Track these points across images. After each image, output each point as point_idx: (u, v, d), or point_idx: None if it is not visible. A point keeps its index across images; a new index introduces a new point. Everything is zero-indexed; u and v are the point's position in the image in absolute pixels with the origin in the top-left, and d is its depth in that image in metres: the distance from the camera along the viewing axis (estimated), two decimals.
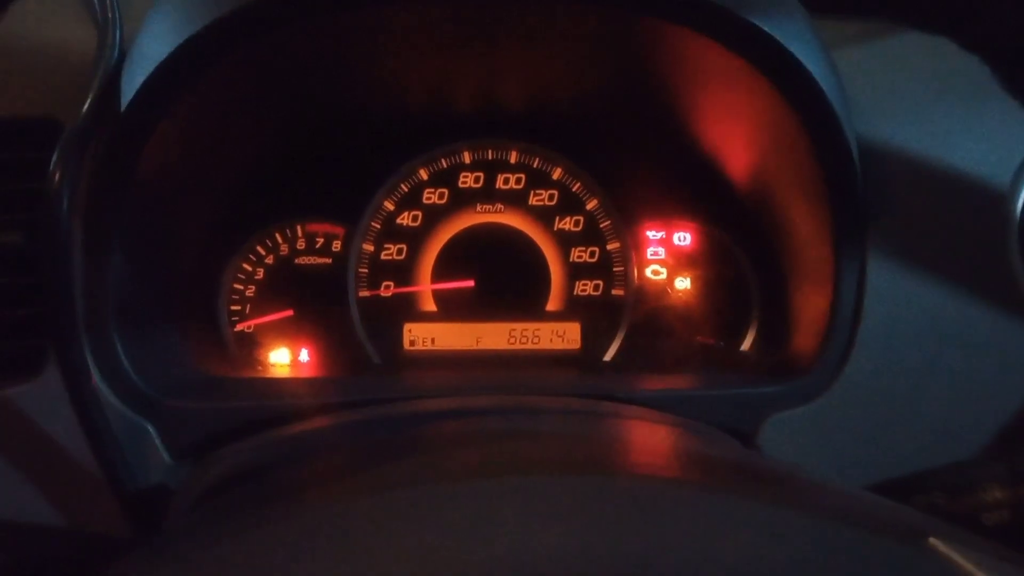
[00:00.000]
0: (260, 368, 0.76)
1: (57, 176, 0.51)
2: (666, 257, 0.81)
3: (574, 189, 0.82)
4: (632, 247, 0.81)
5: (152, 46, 0.55)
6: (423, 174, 0.81)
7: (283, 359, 0.78)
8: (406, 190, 0.81)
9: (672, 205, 0.81)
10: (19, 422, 0.54)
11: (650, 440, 0.42)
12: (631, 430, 0.44)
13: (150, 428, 0.56)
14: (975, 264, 0.63)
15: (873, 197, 0.63)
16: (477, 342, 0.80)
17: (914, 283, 0.63)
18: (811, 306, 0.68)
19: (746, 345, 0.79)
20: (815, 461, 0.60)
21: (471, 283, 0.80)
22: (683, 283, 0.81)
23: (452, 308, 0.80)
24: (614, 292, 0.81)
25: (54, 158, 0.51)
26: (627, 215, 0.81)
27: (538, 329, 0.80)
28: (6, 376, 0.55)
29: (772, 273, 0.75)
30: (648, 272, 0.82)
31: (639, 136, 0.81)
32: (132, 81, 0.55)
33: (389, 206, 0.80)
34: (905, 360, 0.62)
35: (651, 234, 0.82)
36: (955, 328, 0.62)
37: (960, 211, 0.64)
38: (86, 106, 0.53)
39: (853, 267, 0.63)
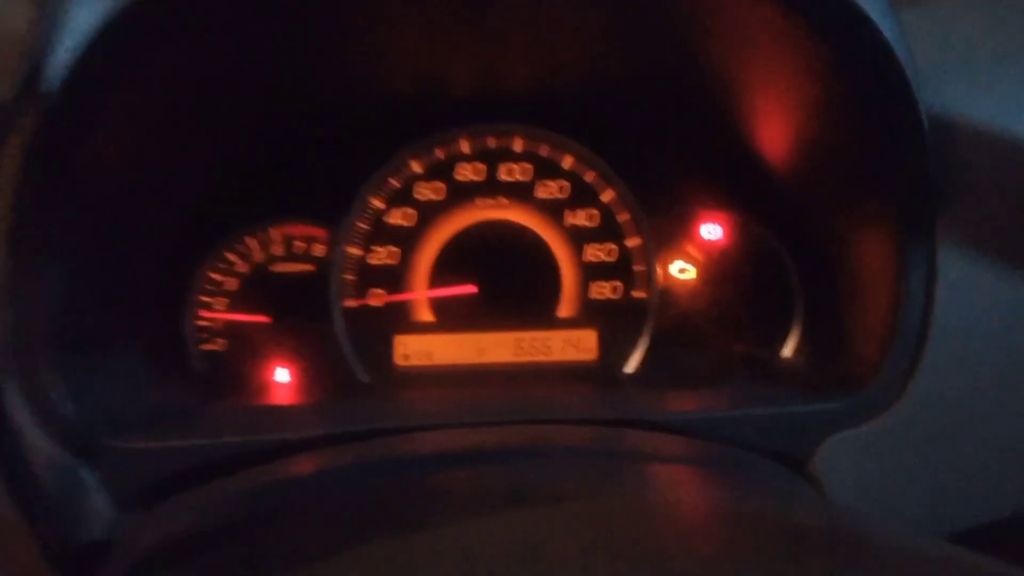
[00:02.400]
0: (232, 394, 0.67)
1: None
2: (694, 254, 0.72)
3: (587, 179, 0.72)
4: (655, 243, 0.71)
5: (82, 15, 0.46)
6: (416, 166, 0.71)
7: (259, 381, 0.69)
8: (397, 185, 0.71)
9: (700, 194, 0.72)
10: None
11: (703, 503, 0.32)
12: (674, 484, 0.35)
13: (88, 473, 0.47)
14: None
15: (941, 180, 0.53)
16: (480, 355, 0.70)
17: (989, 279, 0.53)
18: (870, 308, 0.58)
19: (788, 352, 0.69)
20: (887, 494, 0.51)
21: (473, 288, 0.70)
22: (715, 283, 0.71)
23: (451, 317, 0.71)
24: (635, 294, 0.71)
25: None
26: (648, 207, 0.71)
27: (549, 338, 0.71)
28: None
29: (818, 270, 0.65)
30: (674, 271, 0.72)
31: (661, 117, 0.71)
32: (58, 57, 0.46)
33: (378, 204, 0.71)
34: (983, 368, 0.53)
35: (677, 228, 0.72)
36: None
37: None
38: (9, 86, 0.45)
39: (921, 261, 0.53)
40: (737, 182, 0.71)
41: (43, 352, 0.49)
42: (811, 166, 0.63)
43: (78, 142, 0.49)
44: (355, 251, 0.70)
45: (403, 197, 0.71)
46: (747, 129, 0.67)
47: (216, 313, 0.69)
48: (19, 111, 0.46)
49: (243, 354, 0.69)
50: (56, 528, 0.44)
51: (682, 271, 0.71)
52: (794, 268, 0.69)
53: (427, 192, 0.71)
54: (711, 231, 0.71)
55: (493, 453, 0.44)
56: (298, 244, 0.71)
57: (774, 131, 0.65)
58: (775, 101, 0.61)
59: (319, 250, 0.71)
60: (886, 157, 0.53)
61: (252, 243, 0.70)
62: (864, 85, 0.51)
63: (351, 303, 0.70)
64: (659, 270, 0.71)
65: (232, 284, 0.69)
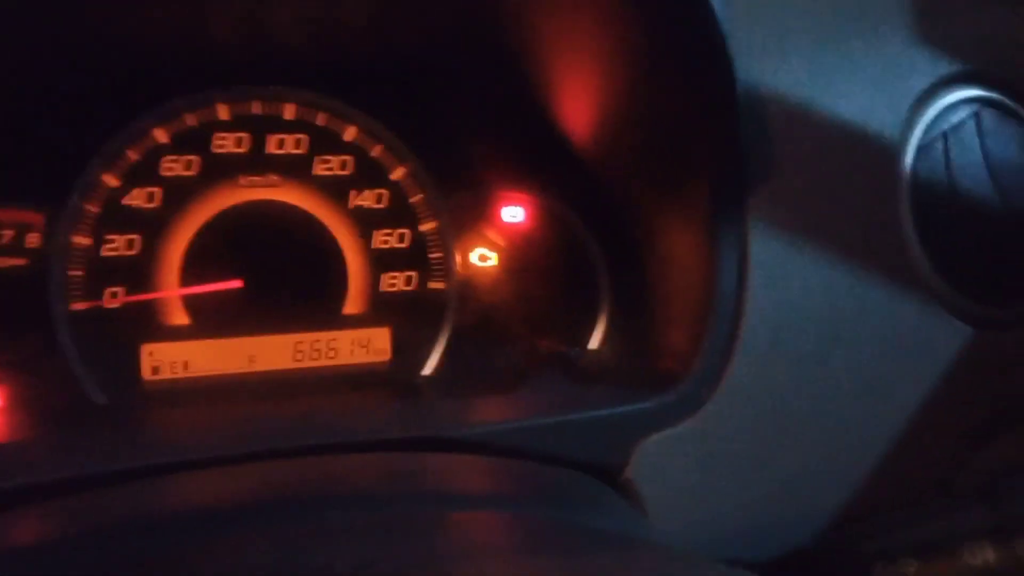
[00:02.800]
0: None
1: None
2: (496, 239, 0.64)
3: (373, 154, 0.63)
4: (452, 227, 0.63)
5: None
6: (160, 135, 0.58)
7: None
8: (136, 158, 0.58)
9: (501, 173, 0.65)
10: None
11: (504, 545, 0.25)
12: (471, 550, 0.27)
13: None
14: (867, 234, 0.53)
15: (752, 157, 0.50)
16: (250, 363, 0.59)
17: (803, 261, 0.51)
18: (680, 296, 0.54)
19: (594, 344, 0.64)
20: (706, 500, 0.47)
21: (238, 283, 0.59)
22: (518, 272, 0.65)
23: (212, 319, 0.58)
24: (432, 286, 0.63)
25: None
26: (444, 186, 0.63)
27: (334, 339, 0.61)
28: None
29: (626, 256, 0.61)
30: (474, 259, 0.64)
31: (457, 86, 0.64)
32: None
33: (111, 181, 0.57)
34: (798, 355, 0.50)
35: (476, 210, 0.64)
36: (850, 311, 0.51)
37: (847, 170, 0.53)
38: None
39: (733, 244, 0.50)
40: (541, 160, 0.64)
41: None
42: (618, 142, 0.58)
43: None
44: (83, 240, 0.56)
45: (145, 173, 0.58)
46: (551, 102, 0.61)
47: None
48: None
49: None
50: None
51: (483, 259, 0.64)
52: (600, 254, 0.65)
53: (175, 167, 0.58)
54: (513, 214, 0.65)
55: (259, 510, 0.34)
56: (5, 233, 0.56)
57: (580, 103, 0.59)
58: (581, 68, 0.56)
59: (34, 240, 0.56)
60: (697, 133, 0.49)
61: None
62: (679, 53, 0.46)
63: (79, 305, 0.56)
64: (458, 257, 0.63)
65: None
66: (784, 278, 0.50)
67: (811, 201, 0.51)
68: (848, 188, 0.52)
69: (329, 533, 0.29)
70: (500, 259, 0.64)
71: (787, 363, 0.50)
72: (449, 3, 0.54)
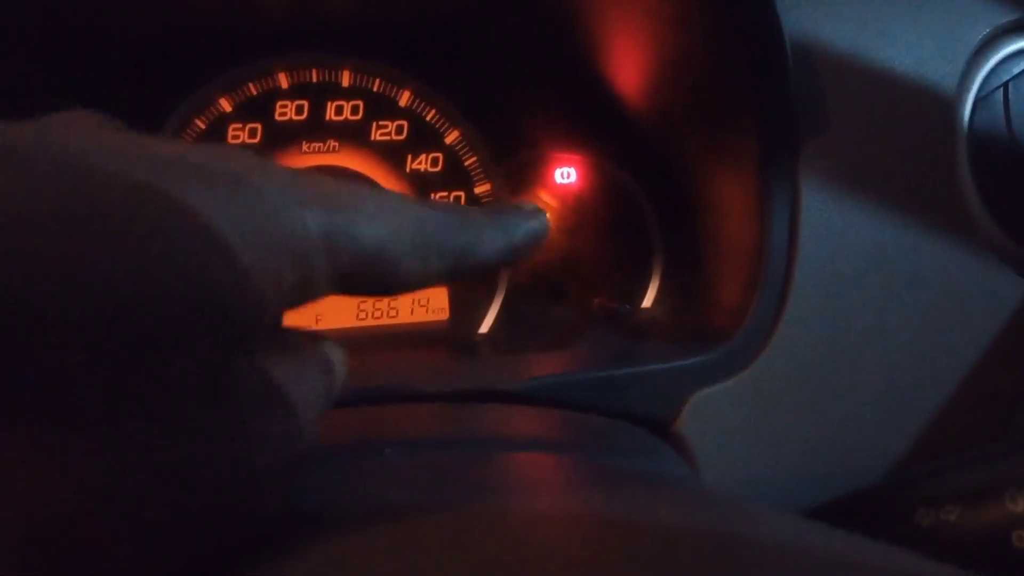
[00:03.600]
0: None
1: None
2: (548, 200, 0.66)
3: (428, 118, 0.64)
4: (506, 189, 0.65)
5: None
6: (224, 104, 0.61)
7: None
8: (203, 127, 0.60)
9: (552, 134, 0.66)
10: None
11: (565, 510, 0.27)
12: (532, 485, 0.29)
13: None
14: (922, 186, 0.52)
15: (802, 111, 0.50)
16: (317, 321, 0.62)
17: (855, 215, 0.51)
18: (732, 252, 0.54)
19: (647, 303, 0.65)
20: (757, 453, 0.48)
21: None
22: (570, 232, 0.66)
23: None
24: None
25: None
26: (497, 149, 0.65)
27: (395, 299, 0.63)
28: None
29: (677, 214, 0.62)
30: None
31: (506, 48, 0.64)
32: None
33: None
34: (850, 311, 0.50)
35: (529, 172, 0.65)
36: (904, 265, 0.51)
37: (902, 123, 0.52)
38: None
39: (784, 199, 0.50)
40: (592, 121, 0.65)
41: None
42: (667, 100, 0.59)
43: None
44: None
45: (212, 141, 0.61)
46: (600, 62, 0.61)
47: None
48: None
49: None
50: None
51: None
52: (652, 213, 0.65)
53: (241, 135, 0.61)
54: (565, 174, 0.66)
55: (335, 448, 0.37)
56: None
57: (628, 62, 0.59)
58: (628, 28, 0.56)
59: None
60: (747, 88, 0.49)
61: None
62: (727, 8, 0.46)
63: None
64: None
65: None
66: (837, 233, 0.50)
67: (864, 155, 0.50)
68: (903, 141, 0.52)
69: (384, 471, 0.31)
70: (553, 219, 0.65)
71: (840, 317, 0.50)
72: None
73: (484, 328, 0.64)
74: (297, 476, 0.25)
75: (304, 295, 0.22)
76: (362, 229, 0.23)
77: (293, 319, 0.61)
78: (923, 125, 0.52)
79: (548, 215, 0.34)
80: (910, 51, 0.52)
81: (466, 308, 0.64)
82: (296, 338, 0.25)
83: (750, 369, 0.49)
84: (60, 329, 0.15)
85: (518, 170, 0.65)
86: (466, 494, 0.27)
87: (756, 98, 0.49)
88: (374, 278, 0.24)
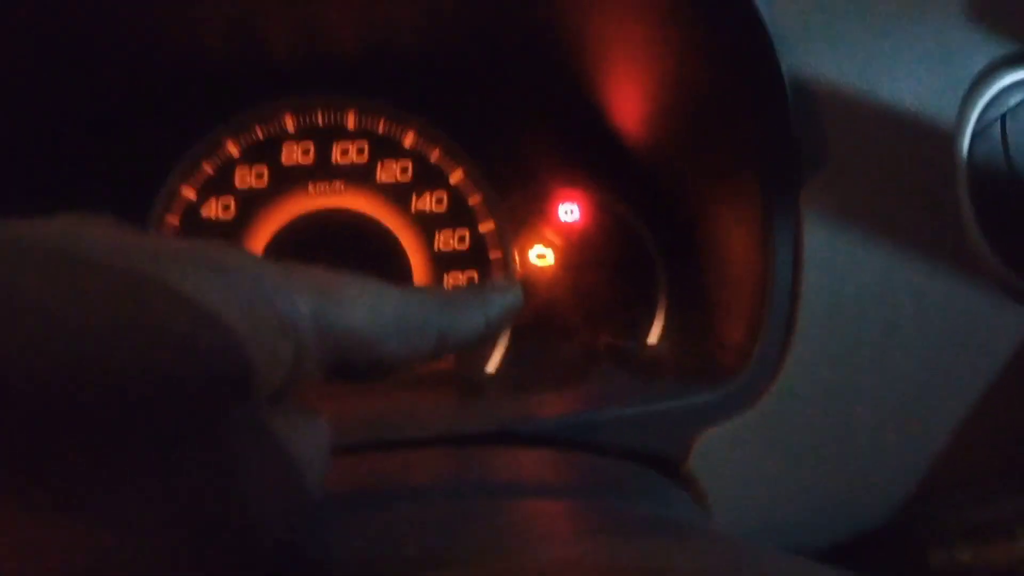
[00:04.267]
0: None
1: None
2: (552, 237, 0.66)
3: (432, 158, 0.65)
4: (510, 226, 0.65)
5: None
6: (232, 149, 0.62)
7: None
8: (211, 172, 0.61)
9: (555, 171, 0.66)
10: None
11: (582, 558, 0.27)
12: (548, 535, 0.29)
13: None
14: (923, 219, 0.52)
15: (804, 147, 0.51)
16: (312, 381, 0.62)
17: (858, 250, 0.51)
18: (735, 287, 0.55)
19: (652, 339, 0.65)
20: (767, 493, 0.47)
21: None
22: (575, 268, 0.66)
23: None
24: None
25: None
26: (500, 186, 0.65)
27: None
28: None
29: (681, 250, 0.62)
30: (532, 256, 0.66)
31: (509, 86, 0.65)
32: None
33: (188, 194, 0.61)
34: (855, 346, 0.51)
35: (533, 209, 0.66)
36: (908, 298, 0.51)
37: (902, 156, 0.52)
38: None
39: (787, 234, 0.51)
40: (594, 157, 0.66)
41: None
42: (668, 135, 0.59)
43: None
44: None
45: (220, 185, 0.61)
46: (603, 98, 0.62)
47: None
48: None
49: None
50: None
51: (540, 256, 0.66)
52: (656, 249, 0.66)
53: (248, 178, 0.62)
54: (569, 211, 0.66)
55: (344, 494, 0.37)
56: None
57: (629, 99, 0.60)
58: (631, 65, 0.57)
59: None
60: (747, 123, 0.50)
61: None
62: (724, 46, 0.47)
63: None
64: (516, 256, 0.65)
65: None
66: (840, 267, 0.50)
67: (865, 188, 0.51)
68: (903, 174, 0.52)
69: (398, 522, 0.31)
70: (557, 257, 0.66)
71: (845, 352, 0.50)
72: (497, 10, 0.56)
73: (491, 368, 0.64)
74: (308, 529, 0.26)
75: (296, 377, 0.23)
76: (348, 312, 0.25)
77: None
78: (923, 158, 0.53)
79: (520, 290, 0.36)
80: (909, 84, 0.52)
81: (472, 349, 0.64)
82: (294, 404, 0.26)
83: (757, 407, 0.49)
84: (91, 403, 0.17)
85: (522, 207, 0.66)
86: (479, 545, 0.27)
87: (756, 133, 0.49)
88: (361, 359, 0.26)
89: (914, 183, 0.52)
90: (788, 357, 0.50)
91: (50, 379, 0.16)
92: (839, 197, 0.51)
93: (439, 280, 0.64)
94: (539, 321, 0.65)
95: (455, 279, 0.65)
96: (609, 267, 0.66)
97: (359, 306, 0.26)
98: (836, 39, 0.52)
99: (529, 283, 0.66)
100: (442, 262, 0.65)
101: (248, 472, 0.20)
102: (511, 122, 0.66)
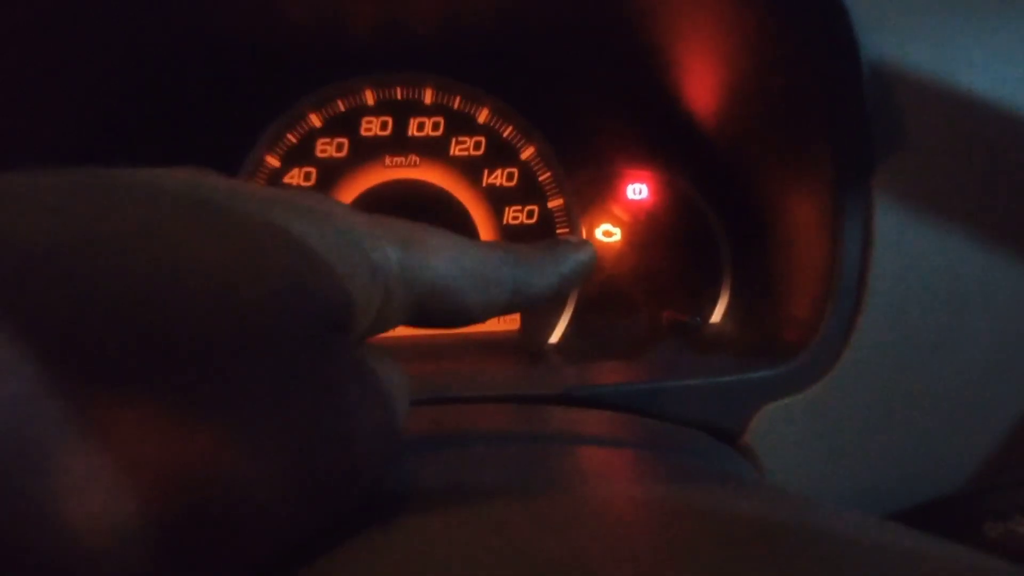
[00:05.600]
0: None
1: None
2: (620, 215, 0.67)
3: (505, 135, 0.67)
4: (579, 204, 0.67)
5: None
6: (315, 120, 0.64)
7: None
8: (294, 141, 0.64)
9: (625, 151, 0.67)
10: None
11: (644, 497, 0.28)
12: (611, 474, 0.30)
13: None
14: (995, 207, 0.52)
15: (878, 131, 0.50)
16: (394, 329, 0.64)
17: (928, 234, 0.51)
18: (803, 268, 0.55)
19: (716, 318, 0.66)
20: (825, 468, 0.48)
21: None
22: (641, 246, 0.67)
23: None
24: None
25: None
26: (570, 164, 0.67)
27: None
28: None
29: (748, 229, 0.62)
30: (599, 233, 0.67)
31: (582, 67, 0.66)
32: None
33: (273, 162, 0.64)
34: (922, 329, 0.50)
35: (601, 187, 0.67)
36: (979, 287, 0.51)
37: (977, 144, 0.52)
38: None
39: (857, 217, 0.50)
40: (664, 138, 0.66)
41: None
42: (741, 117, 0.59)
43: None
44: None
45: (302, 154, 0.64)
46: (673, 79, 0.62)
47: None
48: None
49: None
50: None
51: (607, 234, 0.67)
52: (723, 229, 0.66)
53: (329, 148, 0.65)
54: (637, 190, 0.67)
55: (413, 440, 0.39)
56: None
57: (702, 80, 0.61)
58: (703, 47, 0.57)
59: None
60: (823, 107, 0.50)
61: None
62: (802, 28, 0.47)
63: None
64: (583, 232, 0.67)
65: None
66: (910, 250, 0.50)
67: (940, 175, 0.50)
68: (979, 162, 0.51)
69: (468, 462, 0.33)
70: (624, 234, 0.67)
71: (911, 335, 0.50)
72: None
73: (554, 338, 0.65)
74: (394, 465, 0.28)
75: (382, 321, 0.25)
76: (432, 263, 0.26)
77: None
78: (1000, 146, 0.52)
79: (595, 247, 0.37)
80: (988, 72, 0.52)
81: (537, 318, 0.66)
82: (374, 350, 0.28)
83: (820, 383, 0.49)
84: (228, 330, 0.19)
85: (590, 185, 0.67)
86: (548, 482, 0.29)
87: (831, 118, 0.49)
88: (442, 308, 0.27)
89: (989, 171, 0.52)
90: (853, 335, 0.50)
91: (187, 308, 0.18)
92: (913, 182, 0.50)
93: None
94: (603, 296, 0.66)
95: None
96: (675, 245, 0.67)
97: (442, 257, 0.27)
98: (915, 25, 0.51)
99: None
100: (511, 236, 0.66)
101: (349, 400, 0.22)
102: (583, 102, 0.68)
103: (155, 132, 0.63)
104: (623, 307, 0.66)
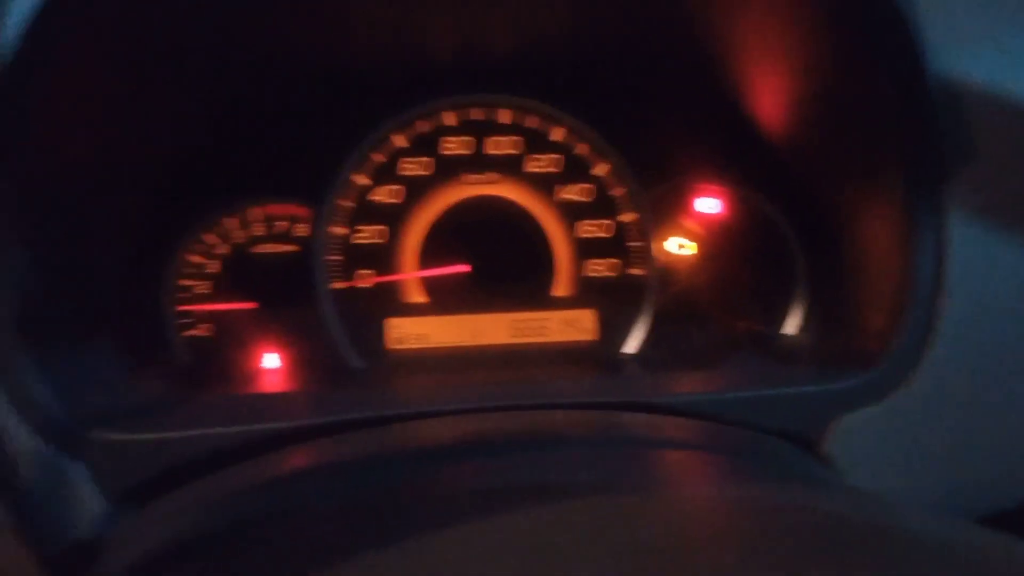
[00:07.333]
0: (219, 382, 0.63)
1: None
2: (693, 228, 0.70)
3: (579, 152, 0.69)
4: (651, 218, 0.69)
5: None
6: (399, 140, 0.68)
7: (247, 368, 0.65)
8: (381, 160, 0.68)
9: (697, 166, 0.69)
10: None
11: (725, 494, 0.30)
12: (690, 474, 0.33)
13: (76, 468, 0.44)
14: None
15: (949, 146, 0.52)
16: (475, 337, 0.68)
17: (1002, 247, 0.52)
18: (878, 280, 0.56)
19: (791, 329, 0.68)
20: (905, 476, 0.49)
21: (467, 267, 0.68)
22: (715, 258, 0.70)
23: (445, 298, 0.68)
24: (632, 272, 0.69)
25: None
26: (643, 180, 0.69)
27: (546, 319, 0.68)
28: None
29: (822, 242, 0.64)
30: (672, 247, 0.70)
31: (654, 85, 0.69)
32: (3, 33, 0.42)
33: (361, 180, 0.68)
34: (998, 341, 0.51)
35: (674, 202, 0.70)
36: None
37: None
38: None
39: (931, 229, 0.52)
40: (735, 153, 0.69)
41: (15, 343, 0.45)
42: (812, 133, 0.61)
43: (30, 120, 0.45)
44: (340, 230, 0.67)
45: (388, 173, 0.68)
46: (744, 96, 0.64)
47: (200, 304, 0.65)
48: None
49: (229, 340, 0.66)
50: (46, 526, 0.41)
51: (681, 247, 0.69)
52: (796, 241, 0.68)
53: (413, 167, 0.68)
54: (709, 205, 0.69)
55: (494, 444, 0.42)
56: (279, 224, 0.68)
57: (773, 97, 0.63)
58: (773, 64, 0.59)
59: (302, 230, 0.68)
60: (893, 122, 0.52)
61: (231, 224, 0.67)
62: (870, 45, 0.49)
63: (338, 285, 0.67)
64: (657, 246, 0.69)
65: (214, 267, 0.66)
66: (984, 263, 0.51)
67: (1009, 188, 0.51)
68: None
69: (536, 464, 0.35)
70: (698, 247, 0.69)
71: (987, 346, 0.51)
72: (643, 13, 0.60)
73: (630, 348, 0.68)
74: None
75: None
76: None
77: (455, 335, 0.67)
78: None
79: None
80: None
81: (613, 329, 0.68)
82: None
83: (898, 393, 0.50)
84: None
85: (664, 200, 0.70)
86: (634, 481, 0.31)
87: (902, 133, 0.51)
88: None
89: None
90: (930, 347, 0.51)
91: None
92: (985, 194, 0.51)
93: (581, 266, 0.69)
94: (679, 306, 0.68)
95: (595, 266, 0.69)
96: (749, 258, 0.69)
97: None
98: (986, 40, 0.52)
99: (670, 271, 0.69)
100: (585, 249, 0.69)
101: None
102: (656, 119, 0.70)
103: (251, 155, 0.67)
104: (699, 318, 0.68)
